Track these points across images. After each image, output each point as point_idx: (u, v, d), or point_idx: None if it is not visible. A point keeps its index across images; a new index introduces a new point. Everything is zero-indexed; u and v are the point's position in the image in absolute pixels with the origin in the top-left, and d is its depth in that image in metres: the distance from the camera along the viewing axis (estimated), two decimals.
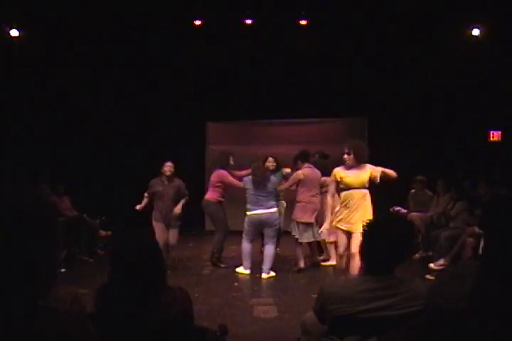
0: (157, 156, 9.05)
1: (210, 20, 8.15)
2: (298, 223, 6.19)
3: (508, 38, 7.54)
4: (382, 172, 4.88)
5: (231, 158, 6.50)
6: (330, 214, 5.07)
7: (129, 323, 1.95)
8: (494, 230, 1.46)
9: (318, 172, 6.24)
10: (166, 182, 6.10)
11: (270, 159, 6.63)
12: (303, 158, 6.37)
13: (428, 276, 5.58)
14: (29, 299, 0.95)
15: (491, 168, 7.47)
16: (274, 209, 6.03)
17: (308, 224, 6.17)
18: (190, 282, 5.67)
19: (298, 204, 6.22)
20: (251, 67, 8.74)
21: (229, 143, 7.32)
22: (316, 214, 6.18)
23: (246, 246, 6.15)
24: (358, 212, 4.82)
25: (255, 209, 5.99)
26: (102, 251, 7.33)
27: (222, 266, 6.46)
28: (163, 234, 6.00)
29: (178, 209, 6.16)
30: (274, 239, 6.12)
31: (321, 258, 6.76)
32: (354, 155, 4.81)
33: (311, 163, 6.32)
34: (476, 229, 5.80)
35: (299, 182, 6.22)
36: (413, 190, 7.67)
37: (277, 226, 6.10)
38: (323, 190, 6.09)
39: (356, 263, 4.74)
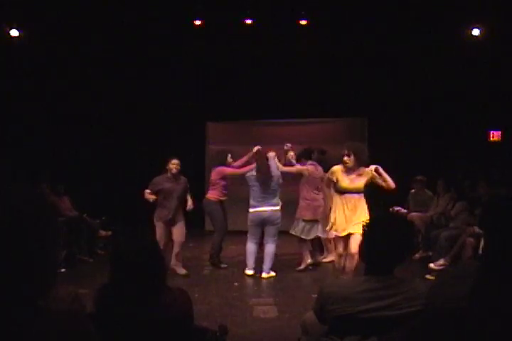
0: (157, 156, 9.10)
1: (210, 20, 8.15)
2: (304, 221, 6.23)
3: (508, 38, 7.54)
4: (379, 175, 4.77)
5: (229, 156, 6.48)
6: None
7: (129, 323, 1.95)
8: (494, 230, 1.46)
9: (321, 170, 6.28)
10: (173, 180, 5.94)
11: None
12: (306, 155, 6.41)
13: (428, 276, 5.58)
14: (29, 299, 0.95)
15: (491, 168, 7.47)
16: (278, 207, 6.02)
17: (315, 221, 6.24)
18: (190, 282, 5.68)
19: (302, 202, 6.27)
20: (251, 67, 8.74)
21: (229, 143, 7.33)
22: (321, 210, 6.24)
23: (250, 246, 6.12)
24: (354, 215, 4.82)
25: (259, 207, 5.97)
26: (102, 251, 7.33)
27: (222, 266, 6.44)
28: (165, 233, 5.92)
29: (190, 204, 6.19)
30: (275, 238, 6.10)
31: (322, 257, 6.79)
32: (354, 157, 4.80)
33: (314, 161, 6.35)
34: (476, 229, 5.80)
35: (302, 179, 6.29)
36: (413, 190, 7.68)
37: (279, 225, 6.09)
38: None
39: (354, 262, 4.75)
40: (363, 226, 2.31)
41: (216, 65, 8.74)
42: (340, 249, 4.91)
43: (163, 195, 5.88)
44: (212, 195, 6.44)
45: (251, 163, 6.37)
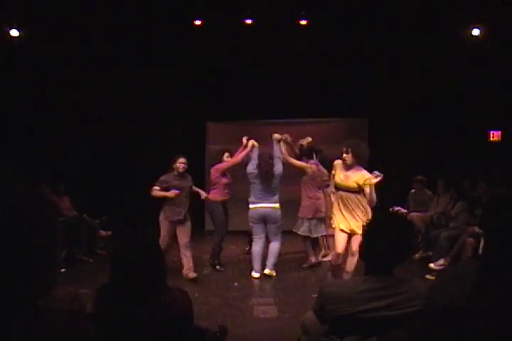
0: (157, 156, 9.10)
1: (210, 20, 8.15)
2: (309, 219, 6.28)
3: (508, 38, 7.54)
4: (368, 186, 4.75)
5: (226, 155, 6.46)
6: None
7: (129, 323, 1.95)
8: (494, 230, 1.46)
9: (322, 170, 6.30)
10: (180, 178, 5.83)
11: None
12: (309, 154, 6.42)
13: (428, 276, 5.58)
14: (29, 299, 0.95)
15: (491, 168, 7.47)
16: (277, 205, 6.01)
17: (318, 219, 6.31)
18: (190, 282, 5.67)
19: (305, 201, 6.32)
20: (251, 67, 8.74)
21: (229, 143, 7.31)
22: (324, 209, 6.31)
23: (256, 248, 6.07)
24: (352, 216, 4.83)
25: (259, 203, 5.96)
26: (102, 251, 7.33)
27: (218, 268, 6.38)
28: (170, 234, 5.82)
29: (202, 193, 6.15)
30: (279, 236, 6.10)
31: (321, 255, 6.82)
32: (352, 154, 4.82)
33: (317, 160, 6.38)
34: (476, 229, 5.80)
35: (304, 178, 6.33)
36: (413, 190, 7.68)
37: (280, 223, 6.08)
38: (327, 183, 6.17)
39: (354, 261, 4.77)
40: (363, 226, 2.31)
41: (216, 65, 8.73)
42: (340, 247, 4.89)
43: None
44: (213, 195, 6.37)
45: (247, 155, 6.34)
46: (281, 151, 6.12)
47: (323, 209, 6.33)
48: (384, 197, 5.58)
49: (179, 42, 8.44)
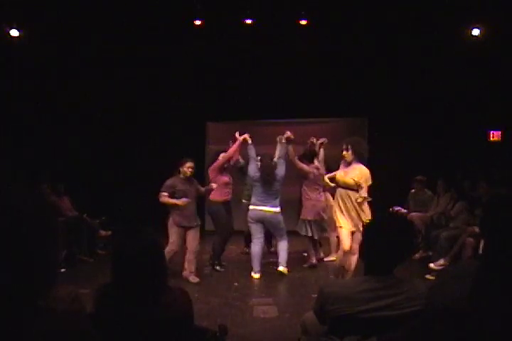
0: (157, 156, 9.10)
1: (210, 20, 8.14)
2: (310, 221, 6.31)
3: (508, 38, 7.54)
4: (361, 187, 4.78)
5: (221, 155, 6.44)
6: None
7: (129, 323, 1.95)
8: (494, 230, 1.46)
9: (323, 173, 6.31)
10: (186, 181, 5.76)
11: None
12: (310, 157, 6.43)
13: (428, 276, 5.58)
14: (29, 299, 0.95)
15: (491, 168, 7.47)
16: (278, 209, 6.01)
17: (320, 220, 6.34)
18: (191, 282, 5.67)
19: (306, 203, 6.33)
20: (251, 67, 8.74)
21: (229, 143, 7.29)
22: (325, 210, 6.35)
23: (255, 249, 6.07)
24: (349, 213, 4.84)
25: (260, 205, 5.97)
26: (102, 251, 7.33)
27: (218, 268, 6.37)
28: (179, 240, 5.70)
29: (212, 185, 6.04)
30: (284, 235, 6.11)
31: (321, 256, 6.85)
32: (353, 152, 4.85)
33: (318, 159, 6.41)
34: (476, 229, 5.79)
35: (305, 181, 6.33)
36: (413, 190, 7.68)
37: (282, 225, 6.08)
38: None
39: (354, 259, 4.77)
40: (363, 226, 2.31)
41: (216, 65, 8.74)
42: (346, 244, 4.89)
43: (178, 196, 5.67)
44: (214, 195, 6.31)
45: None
46: (289, 153, 6.08)
47: (325, 212, 6.34)
48: (384, 197, 5.60)
49: (179, 42, 8.44)
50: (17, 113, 8.52)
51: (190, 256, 5.79)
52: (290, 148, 6.13)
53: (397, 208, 7.42)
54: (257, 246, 6.07)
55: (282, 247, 6.08)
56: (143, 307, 1.96)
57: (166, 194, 5.63)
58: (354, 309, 2.09)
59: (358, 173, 4.80)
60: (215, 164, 6.32)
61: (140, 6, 7.77)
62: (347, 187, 4.87)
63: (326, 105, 8.74)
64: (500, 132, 8.75)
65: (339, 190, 4.96)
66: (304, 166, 6.29)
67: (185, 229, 5.75)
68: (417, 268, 6.14)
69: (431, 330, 1.45)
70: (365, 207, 4.88)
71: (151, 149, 9.18)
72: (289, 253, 7.01)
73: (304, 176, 6.38)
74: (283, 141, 6.01)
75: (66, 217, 6.86)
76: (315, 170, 6.30)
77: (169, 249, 5.55)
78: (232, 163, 6.56)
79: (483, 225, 1.59)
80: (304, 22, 8.17)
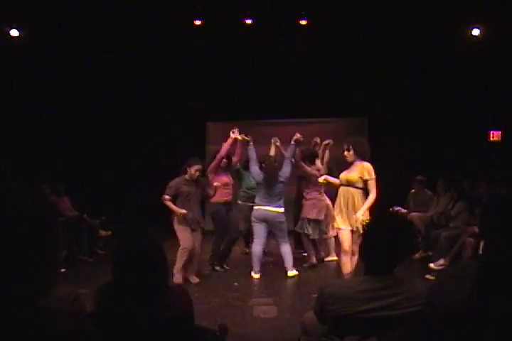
0: (157, 156, 9.10)
1: (210, 20, 8.14)
2: (309, 220, 6.31)
3: (508, 38, 7.54)
4: (369, 181, 4.78)
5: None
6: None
7: (129, 323, 1.95)
8: (494, 230, 1.46)
9: (323, 171, 6.33)
10: (191, 183, 5.62)
11: None
12: (311, 158, 6.43)
13: (428, 276, 5.58)
14: (29, 299, 0.95)
15: (491, 168, 7.47)
16: (282, 209, 6.02)
17: (319, 221, 6.33)
18: (191, 282, 5.67)
19: (307, 202, 6.34)
20: (251, 67, 8.74)
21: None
22: (325, 210, 6.35)
23: (256, 249, 6.06)
24: (348, 212, 4.82)
25: (264, 206, 5.97)
26: (102, 251, 7.33)
27: (218, 268, 6.35)
28: (190, 236, 5.60)
29: (217, 184, 5.98)
30: (286, 238, 6.11)
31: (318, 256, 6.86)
32: (354, 152, 4.84)
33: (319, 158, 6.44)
34: (476, 229, 5.79)
35: (304, 181, 6.32)
36: (413, 190, 7.68)
37: (285, 227, 6.08)
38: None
39: (354, 260, 4.77)
40: (363, 226, 2.31)
41: (216, 65, 8.73)
42: (346, 244, 4.88)
43: (181, 198, 5.59)
44: (213, 197, 6.28)
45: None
46: (294, 154, 6.07)
47: (325, 211, 6.35)
48: (384, 197, 5.59)
49: (179, 42, 8.44)
50: (17, 113, 8.52)
51: (191, 258, 5.75)
52: (297, 150, 6.13)
53: (397, 208, 7.42)
54: (258, 246, 6.06)
55: (286, 251, 6.06)
56: (143, 306, 1.96)
57: (168, 197, 5.54)
58: (354, 309, 2.09)
59: (360, 168, 4.80)
60: (210, 166, 6.29)
61: (140, 6, 7.77)
62: (350, 184, 4.85)
63: (326, 105, 8.74)
64: (500, 132, 8.75)
65: (341, 188, 4.94)
66: (308, 168, 6.30)
67: (191, 229, 5.68)
68: (417, 268, 6.14)
69: (431, 330, 1.45)
70: (359, 206, 4.87)
71: (151, 149, 9.18)
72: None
73: (306, 177, 6.38)
74: (292, 142, 6.00)
75: (66, 217, 6.86)
76: (316, 172, 6.31)
77: (182, 247, 5.52)
78: (234, 162, 6.55)
79: (483, 225, 1.59)
80: (304, 22, 8.16)
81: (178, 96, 8.86)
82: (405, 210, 7.42)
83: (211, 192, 5.97)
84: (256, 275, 6.01)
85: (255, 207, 6.06)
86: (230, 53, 8.56)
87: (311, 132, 9.26)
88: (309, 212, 6.32)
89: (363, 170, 4.76)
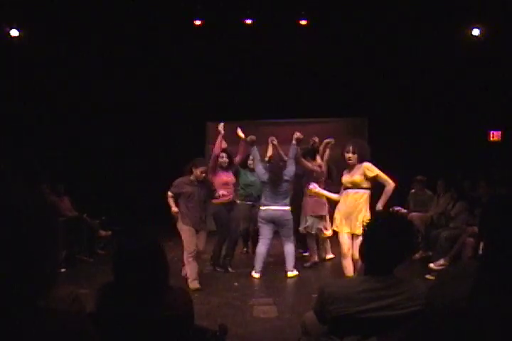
0: (157, 156, 9.11)
1: (210, 20, 8.15)
2: (311, 216, 6.34)
3: (508, 38, 7.55)
4: (378, 176, 4.80)
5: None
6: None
7: (129, 323, 1.95)
8: (494, 230, 1.46)
9: (324, 171, 6.31)
10: (196, 183, 5.53)
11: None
12: (312, 154, 6.44)
13: (428, 276, 5.58)
14: (29, 299, 0.95)
15: (491, 168, 7.47)
16: (289, 207, 6.04)
17: (321, 217, 6.36)
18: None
19: (309, 199, 6.31)
20: (251, 67, 8.75)
21: (229, 143, 7.30)
22: (327, 207, 6.35)
23: (261, 249, 6.05)
24: (348, 216, 4.82)
25: (270, 205, 5.98)
26: (102, 251, 7.33)
27: (218, 269, 6.34)
28: (194, 238, 5.49)
29: (218, 194, 5.88)
30: (291, 238, 6.11)
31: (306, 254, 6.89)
32: (358, 156, 4.84)
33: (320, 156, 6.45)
34: (476, 229, 5.79)
35: (307, 176, 6.34)
36: (413, 190, 7.68)
37: (291, 225, 6.09)
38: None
39: (357, 267, 4.74)
40: (363, 226, 2.31)
41: (216, 65, 8.74)
42: (345, 248, 4.87)
43: (184, 198, 5.51)
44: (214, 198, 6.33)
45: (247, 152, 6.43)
46: (296, 152, 6.06)
47: (327, 206, 6.34)
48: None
49: (179, 42, 8.44)
50: (17, 113, 8.52)
51: (192, 260, 5.64)
52: (296, 148, 6.13)
53: (397, 208, 7.41)
54: (263, 246, 6.05)
55: (289, 250, 6.06)
56: (143, 306, 1.96)
57: (171, 194, 5.53)
58: (354, 309, 2.09)
59: (361, 169, 4.80)
60: (212, 162, 6.26)
61: (140, 6, 7.78)
62: (355, 186, 4.85)
63: (326, 105, 8.75)
64: (500, 132, 8.76)
65: (345, 191, 4.93)
66: (308, 164, 6.31)
67: (195, 230, 5.59)
68: (417, 268, 6.14)
69: (431, 330, 1.45)
70: (367, 208, 4.87)
71: (151, 149, 9.18)
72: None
73: (307, 174, 6.38)
74: (294, 141, 5.99)
75: (66, 217, 6.86)
76: (317, 168, 6.31)
77: (187, 252, 5.41)
78: (236, 161, 6.55)
79: (483, 225, 1.59)
80: (304, 22, 8.17)
81: (178, 96, 8.87)
82: (405, 210, 7.41)
83: (216, 194, 5.88)
84: (256, 275, 6.01)
85: (262, 208, 6.05)
86: (230, 53, 8.57)
87: (311, 132, 9.26)
88: (313, 209, 6.32)
89: (364, 170, 4.77)
